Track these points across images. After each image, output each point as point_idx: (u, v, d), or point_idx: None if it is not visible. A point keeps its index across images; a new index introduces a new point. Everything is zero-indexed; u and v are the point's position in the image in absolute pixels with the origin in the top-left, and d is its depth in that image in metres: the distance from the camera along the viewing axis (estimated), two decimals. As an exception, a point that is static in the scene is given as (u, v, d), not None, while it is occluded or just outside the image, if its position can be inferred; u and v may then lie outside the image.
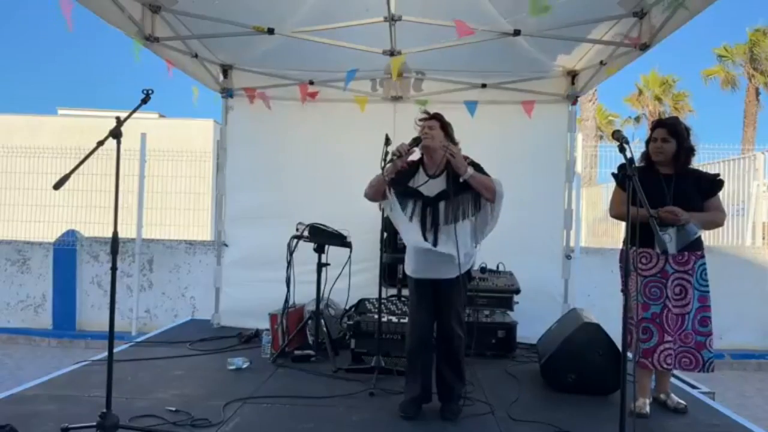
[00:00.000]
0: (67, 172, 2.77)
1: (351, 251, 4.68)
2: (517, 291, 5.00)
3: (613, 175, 3.56)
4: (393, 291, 5.36)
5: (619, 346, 2.92)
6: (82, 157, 2.88)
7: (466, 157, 3.43)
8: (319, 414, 3.46)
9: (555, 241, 5.65)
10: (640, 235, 2.91)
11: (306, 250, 4.70)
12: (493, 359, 4.77)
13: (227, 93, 5.77)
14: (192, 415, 3.26)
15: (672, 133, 3.52)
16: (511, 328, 4.90)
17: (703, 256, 3.53)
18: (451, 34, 4.08)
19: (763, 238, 9.11)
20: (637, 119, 24.28)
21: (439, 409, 3.47)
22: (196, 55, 5.04)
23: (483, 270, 5.12)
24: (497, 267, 5.25)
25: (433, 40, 4.48)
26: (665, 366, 3.47)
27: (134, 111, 2.98)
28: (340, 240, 4.71)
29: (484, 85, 5.52)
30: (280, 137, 5.78)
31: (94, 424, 2.79)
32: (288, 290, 4.63)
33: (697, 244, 3.50)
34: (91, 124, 12.43)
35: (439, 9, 4.14)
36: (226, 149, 5.89)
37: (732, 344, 7.89)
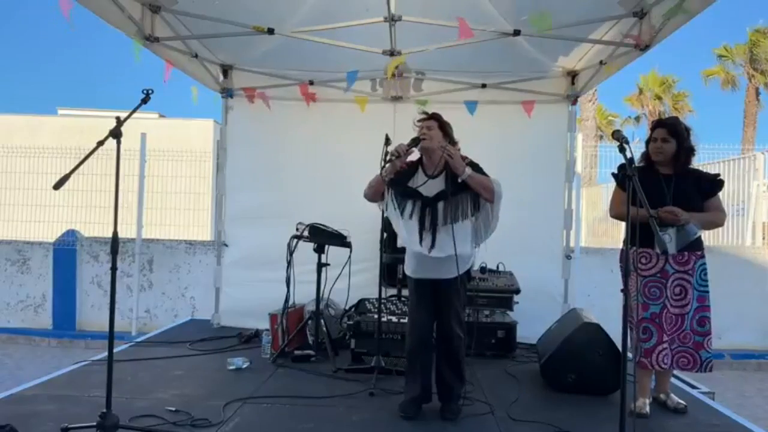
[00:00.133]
0: (67, 172, 2.77)
1: (351, 251, 4.69)
2: (517, 291, 5.00)
3: (613, 175, 3.56)
4: (393, 291, 5.36)
5: (619, 346, 2.92)
6: (82, 157, 2.88)
7: (464, 157, 3.43)
8: (319, 414, 3.46)
9: (555, 241, 5.65)
10: (640, 235, 2.91)
11: (306, 250, 4.71)
12: (493, 359, 4.77)
13: (227, 93, 5.77)
14: (192, 415, 3.26)
15: (672, 133, 3.52)
16: (511, 328, 4.91)
17: (703, 256, 3.53)
18: (451, 34, 4.08)
19: (763, 238, 9.11)
20: (637, 119, 24.31)
21: (439, 409, 3.47)
22: (196, 55, 5.04)
23: (483, 270, 5.12)
24: (497, 267, 5.25)
25: (433, 40, 4.48)
26: (662, 366, 3.48)
27: (134, 111, 2.98)
28: (340, 240, 4.72)
29: (484, 85, 5.52)
30: (280, 137, 5.78)
31: (94, 424, 2.79)
32: (288, 290, 4.63)
33: (697, 244, 3.50)
34: (91, 124, 12.42)
35: (439, 9, 4.14)
36: (226, 149, 5.89)
37: (732, 344, 7.89)
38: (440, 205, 3.39)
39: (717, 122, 39.02)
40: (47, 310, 8.71)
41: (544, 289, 5.47)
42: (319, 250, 4.71)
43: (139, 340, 5.44)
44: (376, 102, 5.64)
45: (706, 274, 3.53)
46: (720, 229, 7.26)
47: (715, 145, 9.66)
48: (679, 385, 4.22)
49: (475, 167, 3.41)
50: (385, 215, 3.66)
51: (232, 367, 4.36)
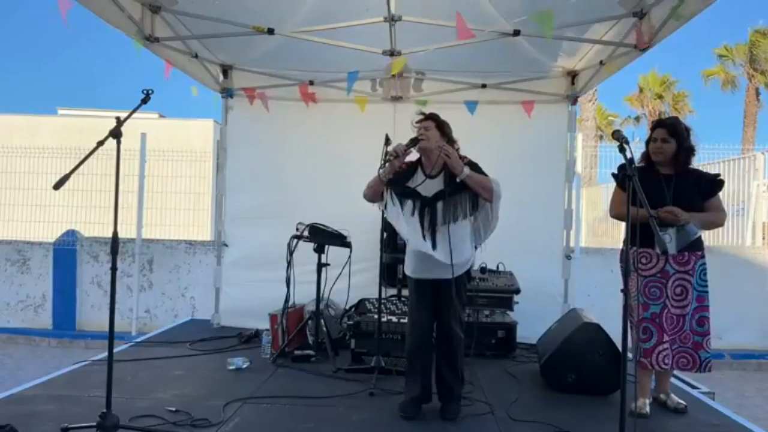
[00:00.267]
0: (67, 172, 2.77)
1: (351, 251, 4.68)
2: (517, 291, 5.00)
3: (613, 175, 3.56)
4: (393, 291, 5.36)
5: (619, 346, 2.92)
6: (82, 157, 2.88)
7: (464, 157, 3.43)
8: (319, 414, 3.46)
9: (555, 241, 5.65)
10: (640, 236, 2.91)
11: (306, 250, 4.70)
12: (493, 359, 4.77)
13: (227, 93, 5.77)
14: (192, 415, 3.26)
15: (672, 133, 3.52)
16: (511, 328, 4.91)
17: (703, 257, 3.53)
18: (451, 34, 4.08)
19: (763, 238, 9.11)
20: (637, 119, 24.32)
21: (439, 409, 3.47)
22: (196, 55, 5.04)
23: (483, 270, 5.12)
24: (497, 267, 5.25)
25: (433, 40, 4.48)
26: (662, 366, 3.47)
27: (134, 111, 2.98)
28: (340, 240, 4.71)
29: (484, 85, 5.52)
30: (280, 137, 5.78)
31: (94, 424, 2.79)
32: (288, 290, 4.63)
33: (697, 245, 3.50)
34: (91, 124, 12.42)
35: (439, 9, 4.13)
36: (226, 149, 5.89)
37: (732, 344, 7.89)
38: (439, 204, 3.39)
39: (717, 122, 39.06)
40: (47, 310, 8.72)
41: (544, 289, 5.46)
42: (319, 250, 4.71)
43: (139, 340, 5.44)
44: (376, 102, 5.64)
45: (705, 275, 3.53)
46: (720, 229, 7.26)
47: (715, 145, 9.68)
48: (679, 385, 4.22)
49: (474, 167, 3.41)
50: (384, 215, 3.66)
51: (232, 367, 4.36)
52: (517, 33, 4.22)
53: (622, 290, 2.79)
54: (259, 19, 4.30)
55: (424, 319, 3.52)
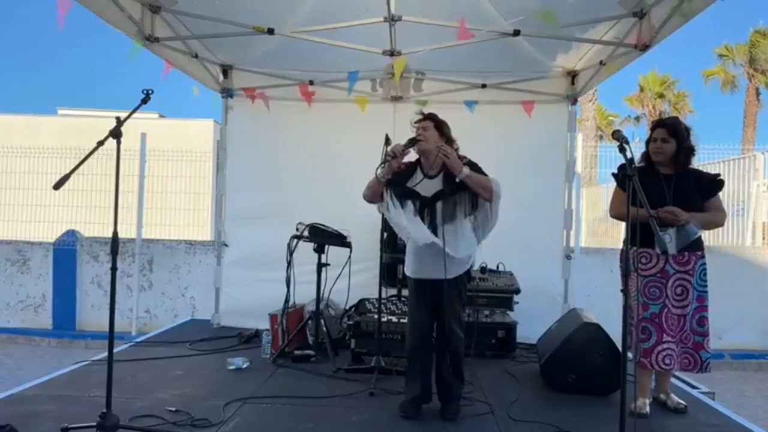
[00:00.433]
0: (67, 172, 2.77)
1: (351, 251, 4.68)
2: (517, 291, 5.00)
3: (613, 175, 3.56)
4: (393, 291, 5.36)
5: (619, 346, 2.92)
6: (82, 157, 2.88)
7: (463, 157, 3.43)
8: (319, 414, 3.46)
9: (555, 241, 5.65)
10: (640, 236, 2.90)
11: (306, 250, 4.70)
12: (493, 359, 4.77)
13: (227, 93, 5.77)
14: (192, 415, 3.26)
15: (672, 133, 3.52)
16: (511, 328, 4.91)
17: (703, 257, 3.53)
18: (451, 34, 4.08)
19: (763, 238, 9.11)
20: (637, 119, 24.32)
21: (439, 409, 3.47)
22: (196, 55, 5.04)
23: (483, 270, 5.12)
24: (497, 267, 5.25)
25: (433, 40, 4.48)
26: (663, 366, 3.47)
27: (134, 111, 2.98)
28: (340, 240, 4.71)
29: (484, 85, 5.52)
30: (280, 137, 5.78)
31: (94, 424, 2.79)
32: (288, 290, 4.63)
33: (697, 245, 3.50)
34: (91, 124, 12.42)
35: (439, 9, 4.13)
36: (226, 149, 5.89)
37: (732, 344, 7.89)
38: (438, 204, 3.39)
39: (717, 122, 39.06)
40: (47, 310, 8.71)
41: (544, 289, 5.46)
42: (319, 250, 4.71)
43: (139, 340, 5.44)
44: (376, 102, 5.64)
45: (705, 275, 3.53)
46: (720, 229, 7.27)
47: (715, 145, 9.68)
48: (679, 385, 4.22)
49: (474, 167, 3.41)
50: (385, 217, 3.66)
51: (232, 367, 4.36)
52: (517, 33, 4.22)
53: (622, 290, 2.79)
54: (259, 19, 4.30)
55: (424, 319, 3.51)
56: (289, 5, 4.38)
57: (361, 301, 4.98)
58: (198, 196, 10.20)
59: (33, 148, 9.84)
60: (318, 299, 4.69)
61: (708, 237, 4.38)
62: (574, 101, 5.64)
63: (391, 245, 4.96)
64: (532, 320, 5.00)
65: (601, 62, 4.86)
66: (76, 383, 3.89)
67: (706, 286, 3.53)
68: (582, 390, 3.90)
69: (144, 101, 2.98)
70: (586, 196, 11.02)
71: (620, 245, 3.99)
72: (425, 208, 3.40)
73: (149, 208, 9.01)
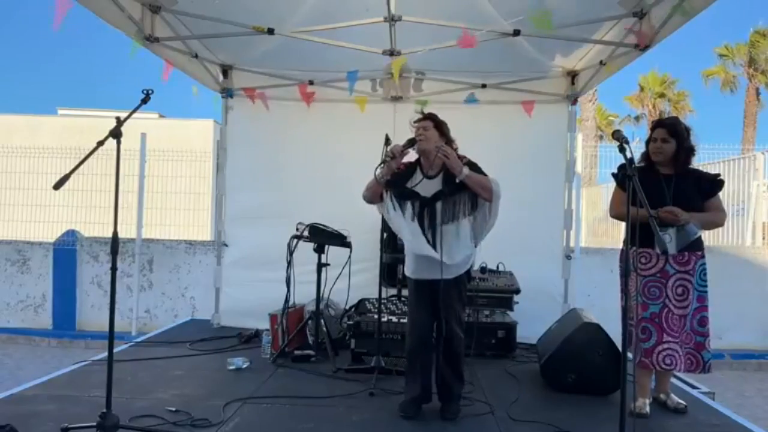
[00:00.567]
0: (67, 172, 2.77)
1: (351, 251, 4.68)
2: (517, 291, 5.00)
3: (613, 175, 3.56)
4: (393, 291, 5.36)
5: (619, 346, 2.92)
6: (82, 157, 2.88)
7: (462, 157, 3.42)
8: (319, 414, 3.46)
9: (555, 241, 5.65)
10: (640, 235, 2.91)
11: (306, 250, 4.70)
12: (493, 359, 4.77)
13: (227, 93, 5.77)
14: (192, 415, 3.26)
15: (672, 133, 3.52)
16: (511, 328, 4.91)
17: (703, 257, 3.53)
18: (451, 34, 4.08)
19: (763, 238, 9.11)
20: (637, 119, 24.31)
21: (439, 409, 3.47)
22: (196, 55, 5.04)
23: (483, 270, 5.12)
24: (497, 267, 5.25)
25: (433, 40, 4.48)
26: (664, 366, 3.47)
27: (134, 111, 2.98)
28: (340, 240, 4.72)
29: (484, 85, 5.51)
30: (280, 137, 5.78)
31: (94, 424, 2.79)
32: (288, 290, 4.64)
33: (697, 245, 3.50)
34: (91, 124, 12.43)
35: (439, 9, 4.13)
36: (226, 149, 5.89)
37: (732, 344, 7.89)
38: (438, 205, 3.39)
39: (717, 122, 39.02)
40: (47, 310, 8.72)
41: (544, 289, 5.46)
42: (319, 250, 4.71)
43: (139, 340, 5.44)
44: (376, 102, 5.64)
45: (705, 275, 3.53)
46: (720, 229, 7.27)
47: (715, 145, 9.68)
48: (679, 385, 4.22)
49: (474, 167, 3.41)
50: (385, 218, 3.66)
51: (232, 367, 4.36)
52: (517, 33, 4.22)
53: (622, 290, 2.79)
54: (259, 19, 4.30)
55: (424, 319, 3.51)
56: (289, 5, 4.38)
57: (361, 301, 4.98)
58: (198, 196, 10.20)
59: (33, 148, 9.84)
60: (318, 299, 4.68)
61: (708, 237, 4.38)
62: (574, 101, 5.64)
63: (391, 245, 4.95)
64: (532, 320, 5.00)
65: (601, 62, 4.86)
66: (76, 383, 3.89)
67: (706, 286, 3.53)
68: (582, 390, 3.90)
69: (144, 101, 2.98)
70: (586, 196, 11.02)
71: (620, 245, 3.99)
72: (425, 208, 3.40)
73: (149, 208, 9.01)
